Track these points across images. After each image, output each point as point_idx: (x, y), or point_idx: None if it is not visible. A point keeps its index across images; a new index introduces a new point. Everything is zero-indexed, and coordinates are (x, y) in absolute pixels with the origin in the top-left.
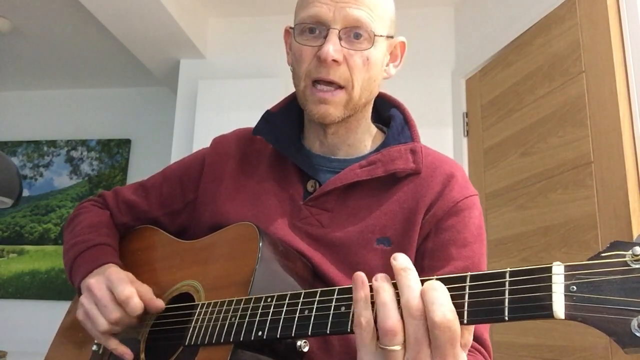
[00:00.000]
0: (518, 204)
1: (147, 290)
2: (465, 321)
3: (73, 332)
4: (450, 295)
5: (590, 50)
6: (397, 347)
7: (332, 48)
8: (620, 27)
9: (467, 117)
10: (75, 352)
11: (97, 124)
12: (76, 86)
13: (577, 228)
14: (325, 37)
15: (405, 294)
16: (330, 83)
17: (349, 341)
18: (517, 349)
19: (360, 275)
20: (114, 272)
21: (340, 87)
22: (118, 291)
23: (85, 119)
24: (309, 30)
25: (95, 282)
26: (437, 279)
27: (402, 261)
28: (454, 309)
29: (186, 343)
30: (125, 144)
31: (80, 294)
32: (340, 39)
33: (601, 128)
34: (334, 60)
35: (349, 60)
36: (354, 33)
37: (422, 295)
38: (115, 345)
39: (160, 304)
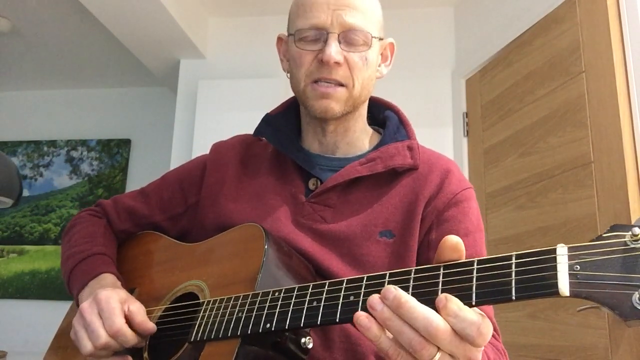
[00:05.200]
0: (518, 203)
1: (138, 309)
2: (473, 302)
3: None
4: (458, 278)
5: (590, 50)
6: (437, 356)
7: (334, 50)
8: (620, 27)
9: (467, 117)
10: (76, 354)
11: (97, 124)
12: (76, 86)
13: (577, 228)
14: (325, 41)
15: (420, 326)
16: (331, 81)
17: (349, 337)
18: (517, 349)
19: (361, 317)
20: (104, 298)
21: (340, 84)
22: (108, 323)
23: (85, 119)
24: (308, 36)
25: (87, 306)
26: (444, 265)
27: (392, 296)
28: (476, 315)
29: (192, 339)
30: (125, 144)
31: (78, 304)
32: (339, 42)
33: (601, 128)
34: (336, 62)
35: (349, 60)
36: (352, 37)
37: (450, 323)
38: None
39: (151, 326)
